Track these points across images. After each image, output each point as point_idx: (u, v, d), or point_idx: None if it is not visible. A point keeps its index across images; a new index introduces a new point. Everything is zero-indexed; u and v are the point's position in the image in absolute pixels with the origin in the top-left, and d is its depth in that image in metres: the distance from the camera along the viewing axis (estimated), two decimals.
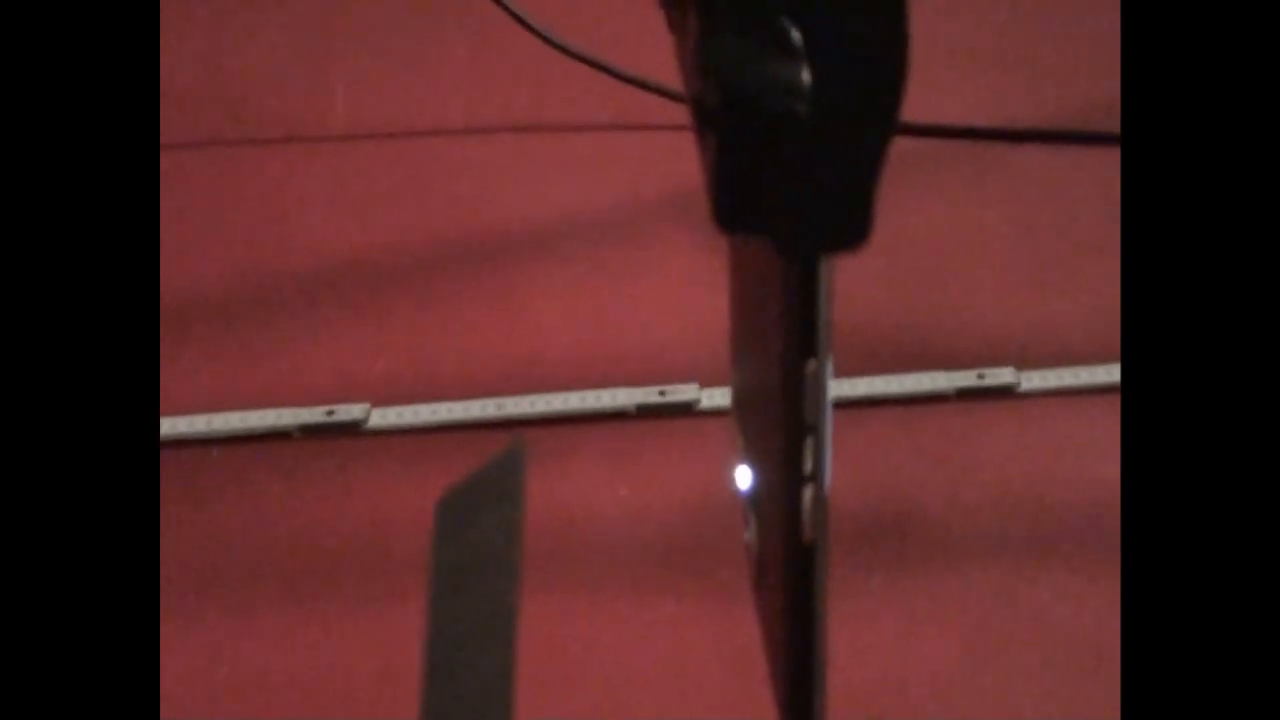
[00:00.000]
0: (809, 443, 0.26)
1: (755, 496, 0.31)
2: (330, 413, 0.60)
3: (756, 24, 0.22)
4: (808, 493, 0.26)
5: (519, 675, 0.30)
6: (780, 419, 0.26)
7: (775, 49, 0.22)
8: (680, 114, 0.77)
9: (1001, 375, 0.58)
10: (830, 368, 0.25)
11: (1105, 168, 0.70)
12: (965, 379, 0.58)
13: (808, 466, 0.26)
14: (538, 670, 0.49)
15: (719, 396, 0.59)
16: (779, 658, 0.29)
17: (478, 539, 0.33)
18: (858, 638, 0.48)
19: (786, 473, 0.26)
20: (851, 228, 0.23)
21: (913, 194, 0.69)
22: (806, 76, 0.22)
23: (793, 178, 0.23)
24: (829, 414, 0.26)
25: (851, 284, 0.66)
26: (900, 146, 0.76)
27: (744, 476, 0.31)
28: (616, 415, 0.59)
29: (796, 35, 0.22)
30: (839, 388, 0.58)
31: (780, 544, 0.27)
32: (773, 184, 0.23)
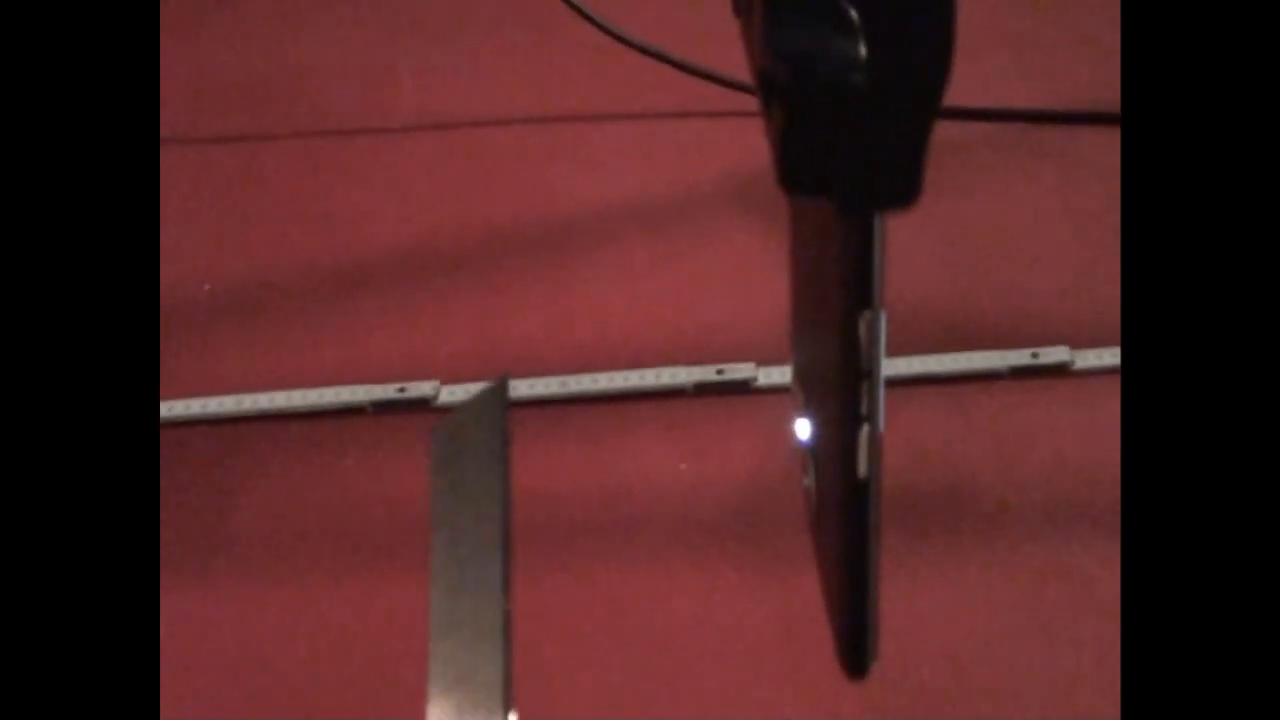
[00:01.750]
0: (865, 387, 0.28)
1: (814, 444, 0.33)
2: (402, 389, 0.62)
3: (817, 5, 0.25)
4: (863, 432, 0.28)
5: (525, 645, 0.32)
6: (838, 366, 0.28)
7: (835, 27, 0.25)
8: (737, 101, 0.78)
9: (1056, 354, 0.59)
10: (884, 319, 0.28)
11: None
12: (1020, 358, 0.59)
13: (863, 408, 0.28)
14: (601, 639, 0.51)
15: (775, 375, 0.60)
16: (835, 593, 0.31)
17: (466, 476, 0.35)
18: (911, 606, 0.50)
19: (844, 414, 0.28)
20: (904, 187, 0.26)
21: (970, 177, 0.70)
22: (863, 51, 0.24)
23: (851, 143, 0.25)
24: (882, 360, 0.28)
25: (909, 265, 0.67)
26: (959, 130, 0.77)
27: (804, 428, 0.34)
28: (675, 393, 0.61)
29: (854, 14, 0.24)
30: (896, 366, 0.60)
31: (837, 481, 0.29)
32: (833, 149, 0.25)
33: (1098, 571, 0.51)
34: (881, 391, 0.28)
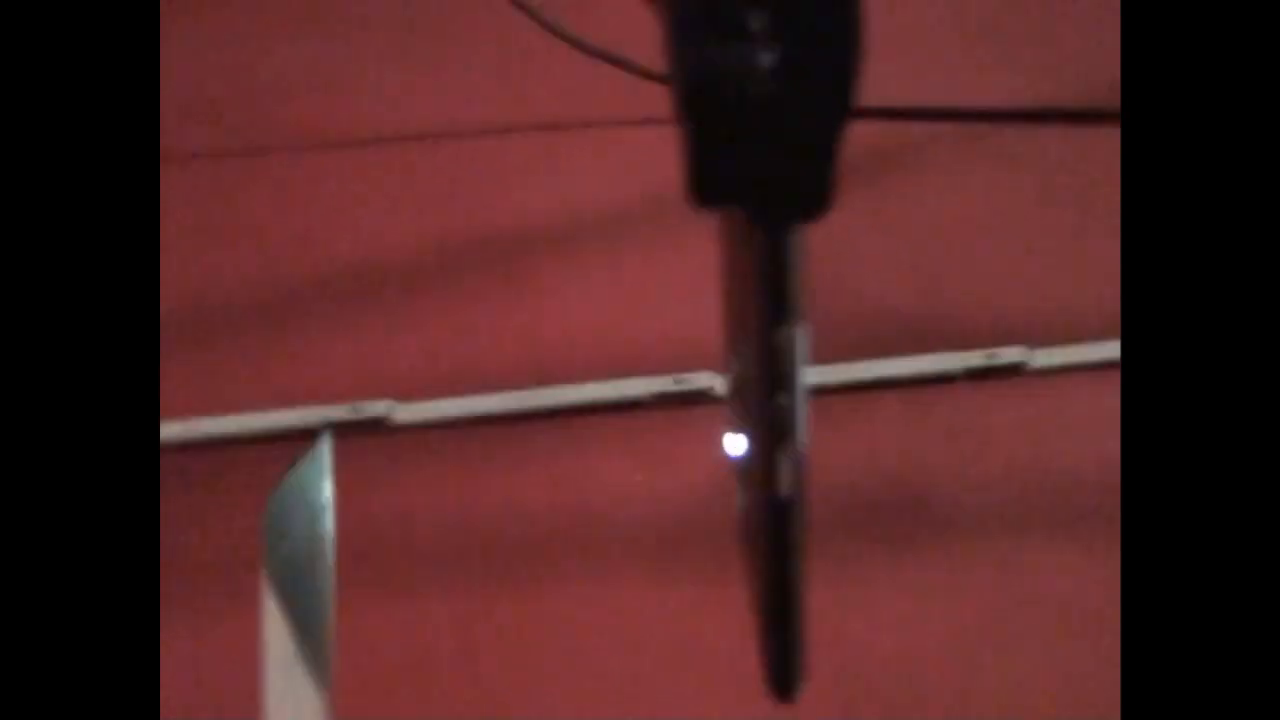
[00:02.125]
0: (783, 402, 0.27)
1: (743, 461, 0.33)
2: (355, 409, 0.61)
3: (720, 12, 0.24)
4: (784, 450, 0.28)
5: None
6: (758, 382, 0.28)
7: (738, 38, 0.24)
8: None
9: (1011, 354, 0.59)
10: (804, 333, 0.27)
11: (1115, 148, 0.70)
12: (975, 359, 0.59)
13: (783, 425, 0.28)
14: (559, 655, 0.50)
15: None
16: (760, 616, 0.30)
17: (291, 550, 0.36)
18: (868, 612, 0.49)
19: (764, 430, 0.28)
20: (815, 199, 0.26)
21: (922, 177, 0.69)
22: (767, 61, 0.24)
23: (758, 154, 0.25)
24: (803, 376, 0.28)
25: (861, 267, 0.67)
26: (914, 130, 0.77)
27: (735, 444, 0.33)
28: (633, 404, 0.60)
29: (757, 22, 0.24)
30: (852, 371, 0.59)
31: (760, 499, 0.29)
32: (740, 160, 0.25)
33: (1053, 573, 0.50)
34: (802, 408, 0.28)
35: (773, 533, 0.29)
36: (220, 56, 0.90)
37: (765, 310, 0.27)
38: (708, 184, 0.26)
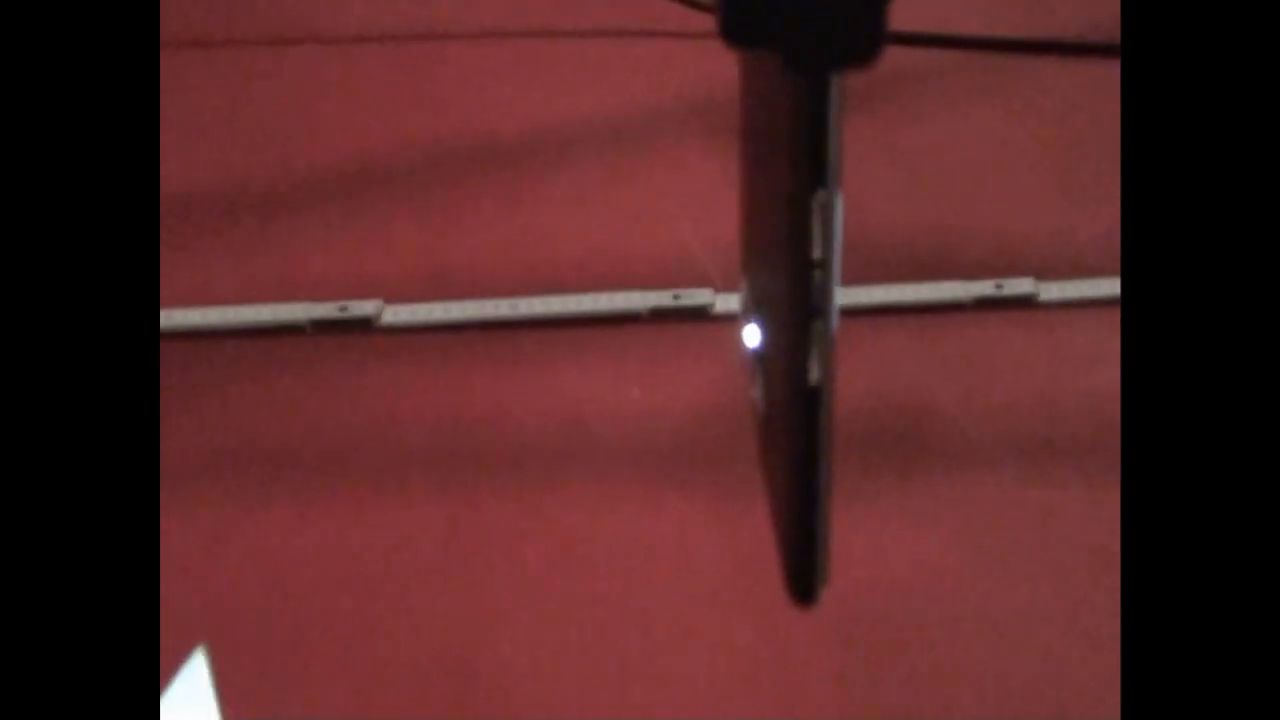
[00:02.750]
0: (816, 278, 0.25)
1: (762, 349, 0.30)
2: (343, 308, 0.59)
3: None
4: (814, 330, 0.25)
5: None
6: (788, 254, 0.25)
7: None
8: (702, 23, 0.75)
9: (1020, 285, 0.58)
10: (840, 202, 0.24)
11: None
12: (983, 289, 0.58)
13: (815, 302, 0.25)
14: (546, 570, 0.49)
15: (734, 302, 0.58)
16: (783, 513, 0.28)
17: None
18: (868, 538, 0.49)
19: (793, 309, 0.25)
20: (862, 39, 0.23)
21: (932, 104, 0.68)
22: None
23: None
24: (839, 248, 0.25)
25: (870, 192, 0.65)
26: (921, 57, 0.75)
27: (752, 333, 0.31)
28: (629, 318, 0.59)
29: None
30: (855, 295, 0.58)
31: (786, 387, 0.26)
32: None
33: (1059, 504, 0.50)
34: (836, 285, 0.25)
35: (802, 423, 0.26)
36: None
37: (800, 172, 0.24)
38: (743, 17, 0.23)
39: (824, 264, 0.25)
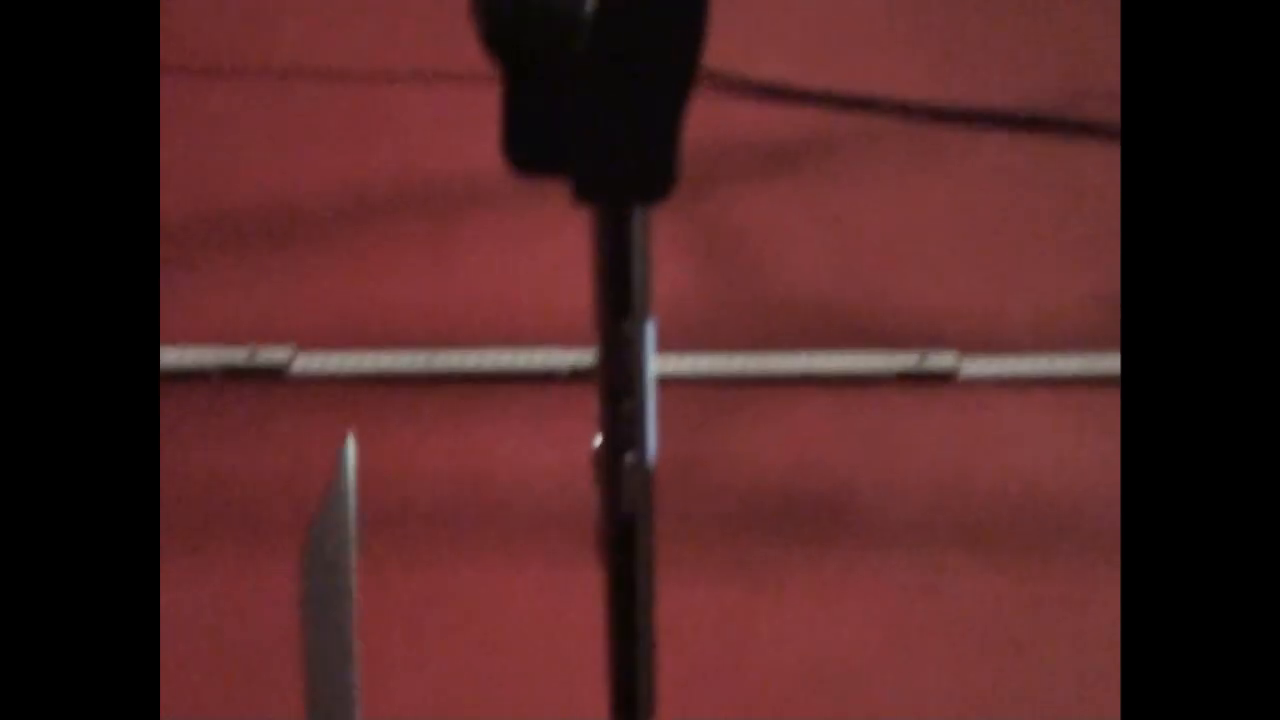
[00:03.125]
0: (624, 408, 0.25)
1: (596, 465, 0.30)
2: (253, 354, 0.57)
3: None
4: (627, 460, 0.25)
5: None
6: (600, 384, 0.25)
7: None
8: None
9: (943, 359, 0.57)
10: (651, 330, 0.24)
11: (1063, 159, 0.69)
12: (906, 361, 0.57)
13: (624, 434, 0.25)
14: (447, 636, 0.47)
15: (666, 363, 0.57)
16: (608, 638, 0.27)
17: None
18: (776, 615, 0.48)
19: (605, 438, 0.25)
20: (654, 174, 0.22)
21: (862, 170, 0.68)
22: (589, 7, 0.20)
23: (583, 117, 0.21)
24: (649, 378, 0.24)
25: (794, 257, 0.65)
26: (858, 122, 0.74)
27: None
28: (548, 376, 0.58)
29: None
30: (775, 363, 0.57)
31: (603, 518, 0.26)
32: (565, 121, 0.21)
33: (970, 591, 0.49)
34: (651, 415, 0.25)
35: (616, 552, 0.26)
36: None
37: (605, 301, 0.24)
38: (526, 147, 0.22)
39: (633, 393, 0.24)
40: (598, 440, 0.30)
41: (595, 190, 0.22)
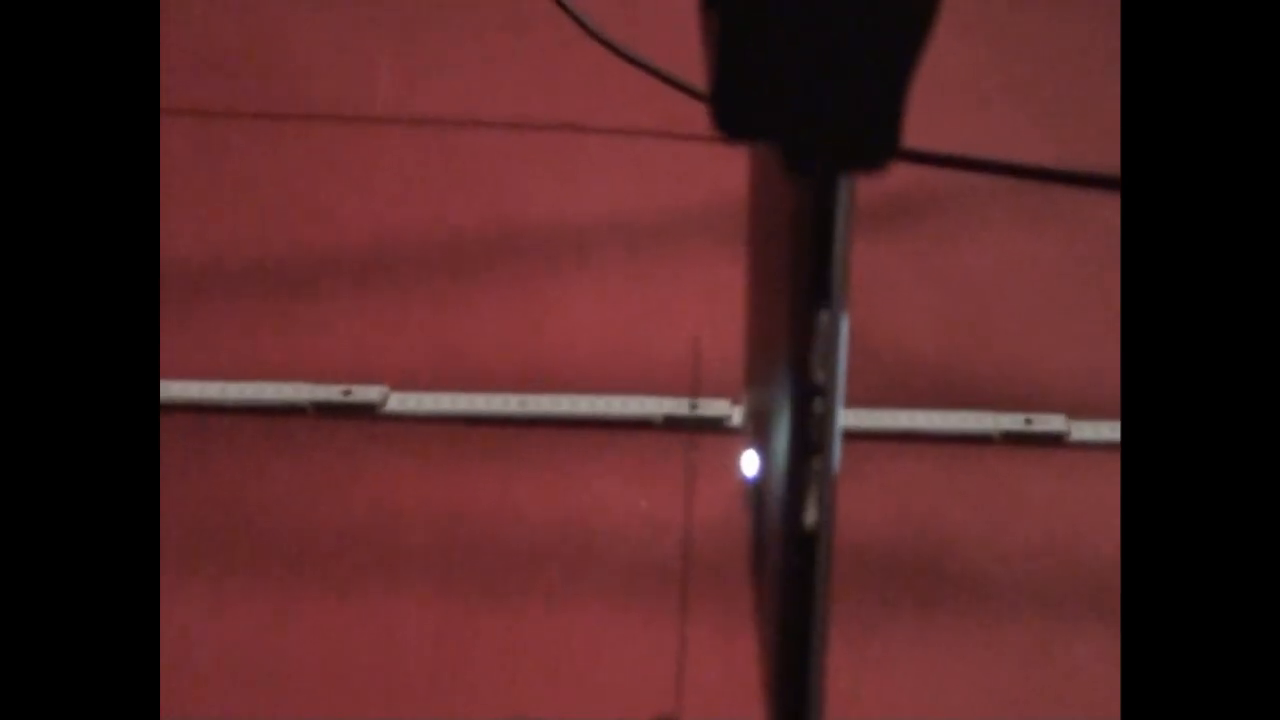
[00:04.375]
0: (816, 407, 0.22)
1: (759, 481, 0.27)
2: (347, 392, 0.57)
3: None
4: (813, 467, 0.22)
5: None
6: (787, 380, 0.22)
7: None
8: None
9: (1051, 422, 0.56)
10: (845, 321, 0.21)
11: None
12: (1013, 422, 0.55)
13: (813, 436, 0.22)
14: (531, 684, 0.46)
15: None
16: (770, 664, 0.25)
17: None
18: (880, 680, 0.46)
19: (790, 443, 0.22)
20: (874, 140, 0.19)
21: (974, 229, 0.66)
22: None
23: (806, 71, 0.18)
24: (842, 374, 0.22)
25: (899, 312, 0.64)
26: (965, 180, 0.73)
27: (750, 461, 0.28)
28: (642, 424, 0.57)
29: None
30: (880, 419, 0.56)
31: (780, 527, 0.24)
32: (782, 79, 0.19)
33: (1084, 658, 0.47)
34: (839, 416, 0.22)
35: (793, 568, 0.23)
36: (243, 15, 0.86)
37: (801, 287, 0.21)
38: (740, 106, 0.19)
39: (825, 391, 0.22)
40: (748, 461, 0.28)
41: (809, 155, 0.19)
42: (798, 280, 0.21)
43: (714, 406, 0.57)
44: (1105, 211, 0.67)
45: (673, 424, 0.57)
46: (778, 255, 0.23)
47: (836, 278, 0.21)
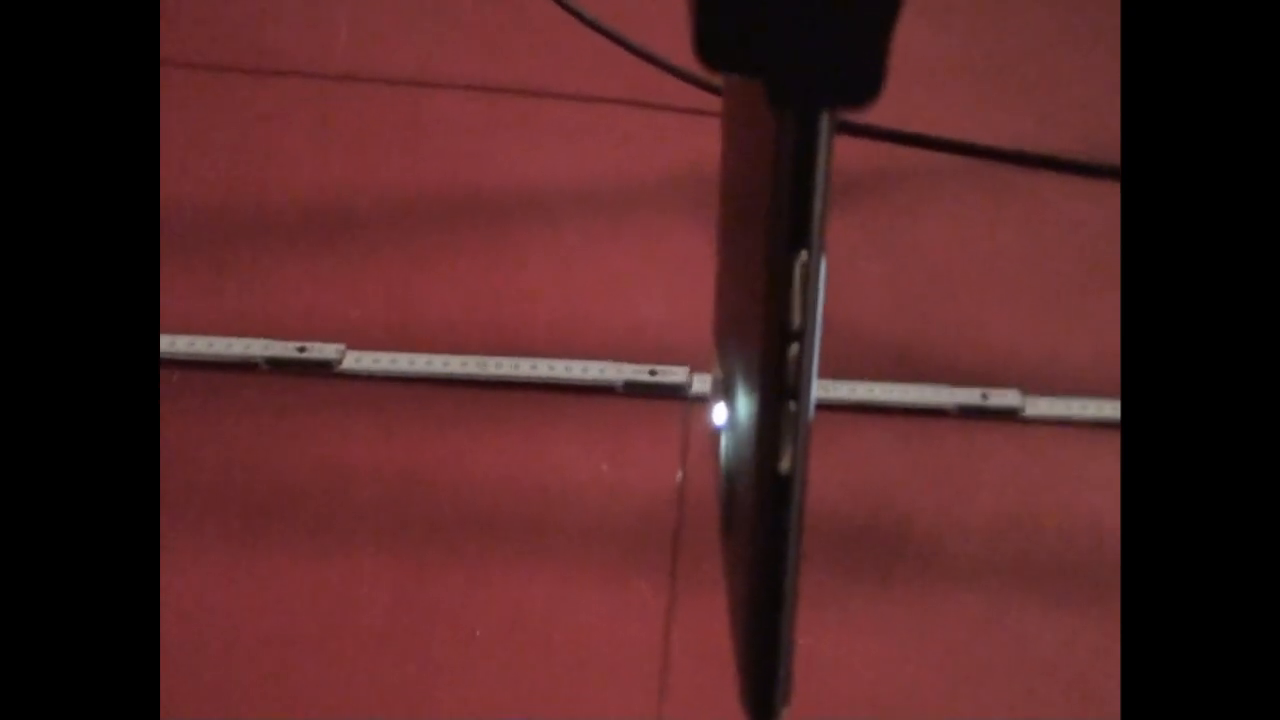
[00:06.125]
0: (793, 353, 0.21)
1: (730, 430, 0.27)
2: (302, 349, 0.56)
3: None
4: (788, 409, 0.22)
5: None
6: (763, 324, 0.22)
7: None
8: (692, 97, 0.75)
9: (1006, 397, 0.56)
10: (824, 266, 0.21)
11: (1119, 203, 0.68)
12: (969, 396, 0.56)
13: (789, 381, 0.22)
14: (496, 647, 0.46)
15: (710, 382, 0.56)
16: (742, 620, 0.25)
17: None
18: (837, 648, 0.46)
19: (765, 387, 0.22)
20: (859, 74, 0.19)
21: (931, 206, 0.67)
22: None
23: (790, 4, 0.18)
24: (819, 319, 0.21)
25: (857, 288, 0.64)
26: (923, 158, 0.73)
27: (719, 413, 0.27)
28: (603, 389, 0.57)
29: None
30: (837, 390, 0.56)
31: (754, 474, 0.23)
32: (767, 11, 0.18)
33: (1035, 627, 0.47)
34: (814, 364, 0.22)
35: (767, 515, 0.23)
36: None
37: (780, 228, 0.21)
38: (723, 35, 0.19)
39: (803, 336, 0.21)
40: (719, 413, 0.28)
41: (795, 90, 0.19)
42: (776, 222, 0.21)
43: (672, 373, 0.57)
44: (1061, 191, 0.68)
45: (632, 389, 0.57)
46: (753, 200, 0.22)
47: (817, 218, 0.21)
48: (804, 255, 0.21)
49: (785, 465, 0.22)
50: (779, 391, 0.22)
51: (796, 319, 0.21)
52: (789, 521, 0.23)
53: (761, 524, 0.23)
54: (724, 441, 0.28)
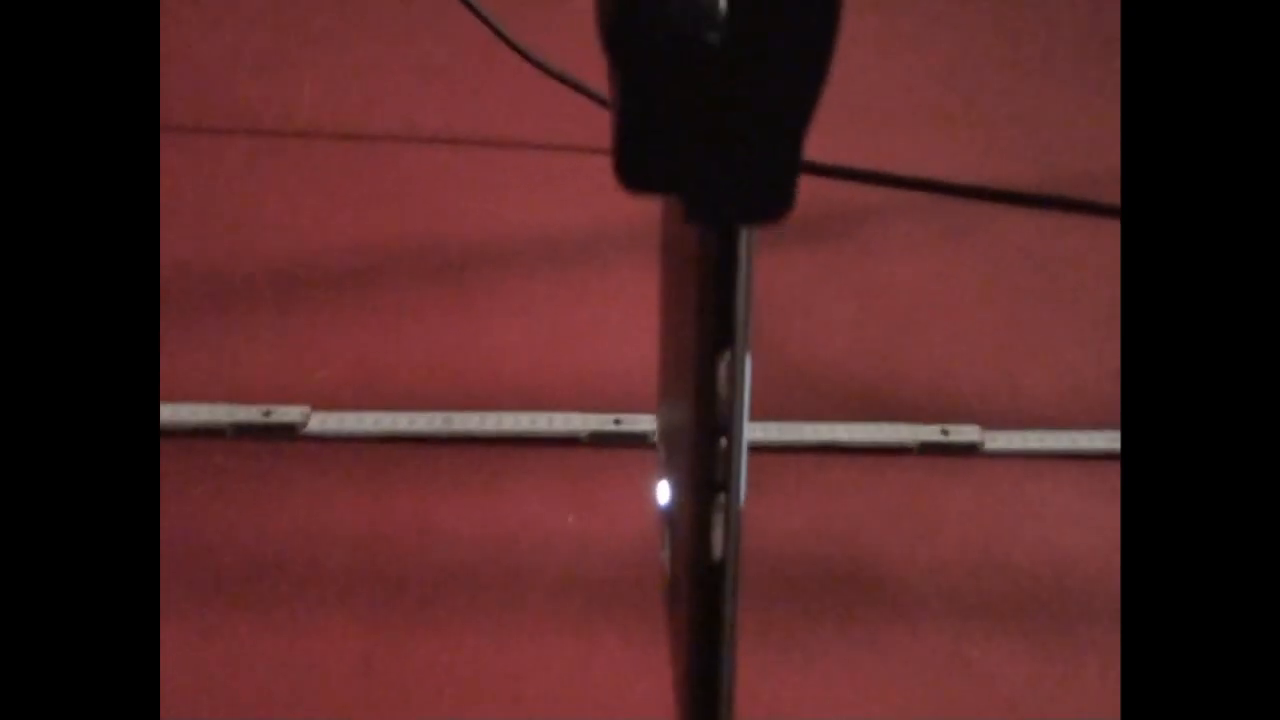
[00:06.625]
0: (721, 446, 0.23)
1: (670, 513, 0.28)
2: (267, 413, 0.57)
3: None
4: (719, 503, 0.23)
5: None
6: (692, 420, 0.23)
7: None
8: None
9: (966, 433, 0.57)
10: (748, 363, 0.22)
11: (1085, 236, 0.69)
12: (929, 433, 0.57)
13: (719, 474, 0.23)
14: (466, 707, 0.46)
15: None
16: (683, 685, 0.26)
17: None
18: (801, 687, 0.46)
19: (696, 480, 0.23)
20: (771, 193, 0.20)
21: (889, 243, 0.68)
22: (724, 3, 0.18)
23: (705, 125, 0.19)
24: (745, 415, 0.23)
25: (817, 327, 0.65)
26: (885, 196, 0.75)
27: (663, 492, 0.29)
28: (568, 440, 0.57)
29: None
30: (801, 432, 0.57)
31: (688, 560, 0.24)
32: (682, 132, 0.19)
33: (999, 663, 0.48)
34: (743, 454, 0.23)
35: (701, 601, 0.24)
36: (161, 20, 0.85)
37: (705, 331, 0.22)
38: (641, 159, 0.20)
39: (729, 430, 0.23)
40: (661, 491, 0.29)
41: (709, 209, 0.20)
42: (702, 322, 0.22)
43: (638, 422, 0.57)
44: (1020, 228, 0.69)
45: (598, 440, 0.57)
46: (685, 299, 0.24)
47: (739, 321, 0.22)
48: (728, 355, 0.22)
49: (717, 553, 0.23)
50: (709, 484, 0.23)
51: (723, 414, 0.22)
52: (723, 607, 0.24)
53: (697, 609, 0.24)
54: (666, 520, 0.29)
